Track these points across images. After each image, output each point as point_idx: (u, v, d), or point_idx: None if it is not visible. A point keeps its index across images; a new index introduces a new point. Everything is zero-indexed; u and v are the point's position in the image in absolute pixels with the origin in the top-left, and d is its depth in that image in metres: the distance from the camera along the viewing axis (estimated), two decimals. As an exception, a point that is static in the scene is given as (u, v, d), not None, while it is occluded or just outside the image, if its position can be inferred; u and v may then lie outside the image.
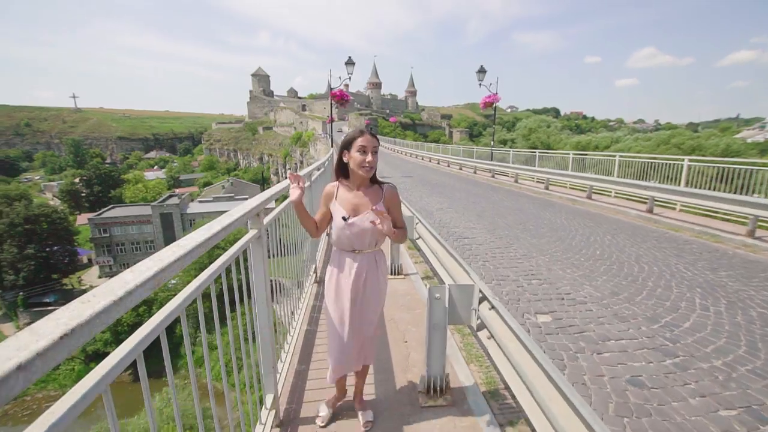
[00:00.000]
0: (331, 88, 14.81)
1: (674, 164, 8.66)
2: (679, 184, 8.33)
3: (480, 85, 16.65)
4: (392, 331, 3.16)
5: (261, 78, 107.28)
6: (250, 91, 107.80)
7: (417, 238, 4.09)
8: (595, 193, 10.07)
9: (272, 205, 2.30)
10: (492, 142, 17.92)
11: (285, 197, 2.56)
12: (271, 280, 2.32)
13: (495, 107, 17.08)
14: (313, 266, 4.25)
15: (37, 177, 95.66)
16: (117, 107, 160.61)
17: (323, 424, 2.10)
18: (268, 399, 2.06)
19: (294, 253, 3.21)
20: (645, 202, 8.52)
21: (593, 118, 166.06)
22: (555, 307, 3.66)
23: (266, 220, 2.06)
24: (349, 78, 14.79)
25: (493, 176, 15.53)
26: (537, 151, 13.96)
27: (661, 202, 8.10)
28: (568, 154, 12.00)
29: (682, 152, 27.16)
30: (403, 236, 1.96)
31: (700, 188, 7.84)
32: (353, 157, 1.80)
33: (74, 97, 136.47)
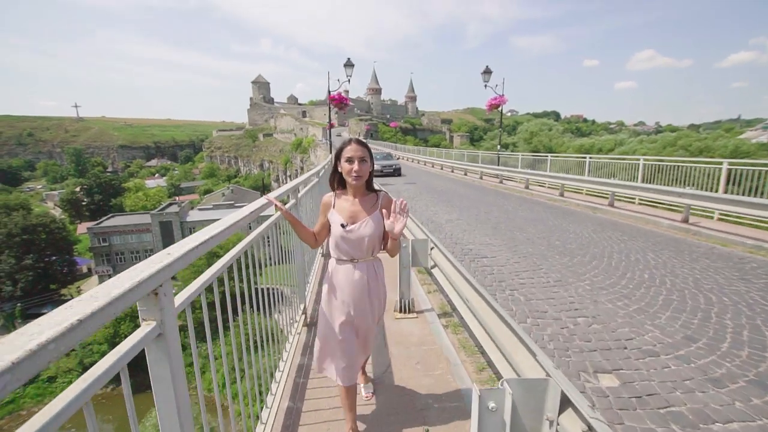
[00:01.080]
0: (329, 92, 14.06)
1: (698, 167, 7.83)
2: (716, 191, 7.48)
3: (485, 86, 15.86)
4: (405, 406, 2.28)
5: (261, 85, 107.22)
6: (251, 98, 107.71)
7: (433, 267, 3.41)
8: (616, 199, 9.21)
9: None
10: (498, 146, 17.10)
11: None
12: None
13: (501, 110, 16.28)
14: (302, 306, 3.37)
15: (40, 186, 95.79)
16: (119, 116, 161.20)
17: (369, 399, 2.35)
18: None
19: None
20: (676, 210, 7.67)
21: (593, 121, 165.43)
22: (618, 361, 2.78)
23: (182, 297, 1.19)
24: (348, 80, 14.02)
25: (501, 182, 14.70)
26: (549, 155, 13.09)
27: (696, 210, 7.24)
28: (585, 157, 11.13)
29: (690, 154, 26.29)
30: (398, 249, 2.00)
31: (714, 191, 7.32)
32: (343, 167, 1.81)
33: (76, 106, 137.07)
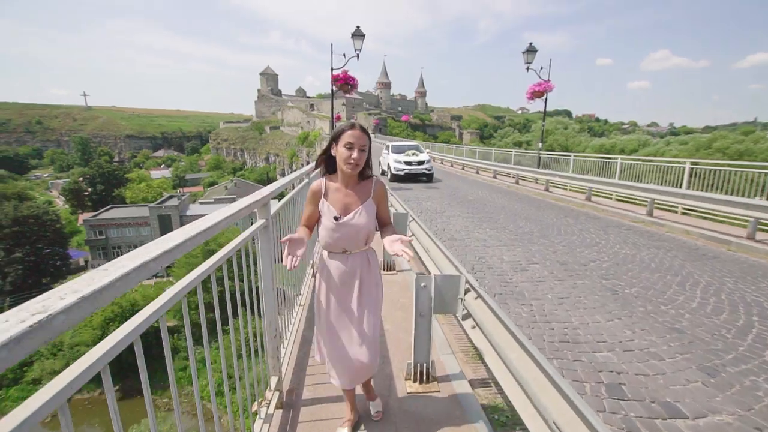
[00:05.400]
0: (332, 70, 11.10)
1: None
2: None
3: (527, 68, 12.78)
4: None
5: (269, 77, 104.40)
6: (258, 90, 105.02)
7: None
8: (736, 224, 6.26)
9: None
10: (539, 145, 14.02)
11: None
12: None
13: (546, 99, 13.16)
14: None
15: (46, 174, 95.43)
16: (129, 106, 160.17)
17: None
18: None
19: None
20: None
21: (606, 121, 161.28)
22: None
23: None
24: (357, 55, 10.98)
25: (546, 189, 11.70)
26: (618, 157, 10.01)
27: None
28: (684, 163, 8.02)
29: (728, 157, 23.57)
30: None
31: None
32: (339, 152, 1.66)
33: (84, 95, 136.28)
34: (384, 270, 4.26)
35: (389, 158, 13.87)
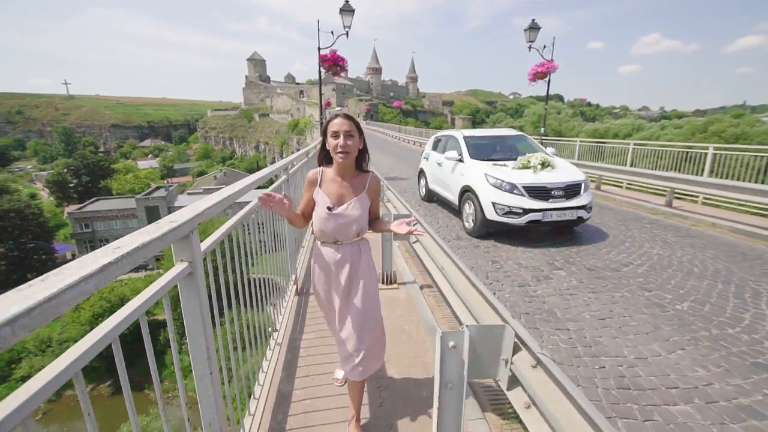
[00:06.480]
0: (319, 50, 10.10)
1: None
2: None
3: (530, 47, 11.93)
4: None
5: (257, 62, 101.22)
6: (246, 77, 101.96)
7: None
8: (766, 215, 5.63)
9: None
10: (542, 129, 13.28)
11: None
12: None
13: (549, 81, 12.35)
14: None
15: (29, 166, 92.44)
16: (113, 94, 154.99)
17: (342, 384, 2.13)
18: None
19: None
20: None
21: (597, 105, 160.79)
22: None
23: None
24: (346, 33, 9.97)
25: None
26: (631, 143, 9.27)
27: None
28: (707, 148, 7.31)
29: (724, 141, 23.29)
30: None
31: None
32: (329, 143, 1.68)
33: (66, 83, 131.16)
34: (383, 283, 3.51)
35: (469, 170, 5.79)
